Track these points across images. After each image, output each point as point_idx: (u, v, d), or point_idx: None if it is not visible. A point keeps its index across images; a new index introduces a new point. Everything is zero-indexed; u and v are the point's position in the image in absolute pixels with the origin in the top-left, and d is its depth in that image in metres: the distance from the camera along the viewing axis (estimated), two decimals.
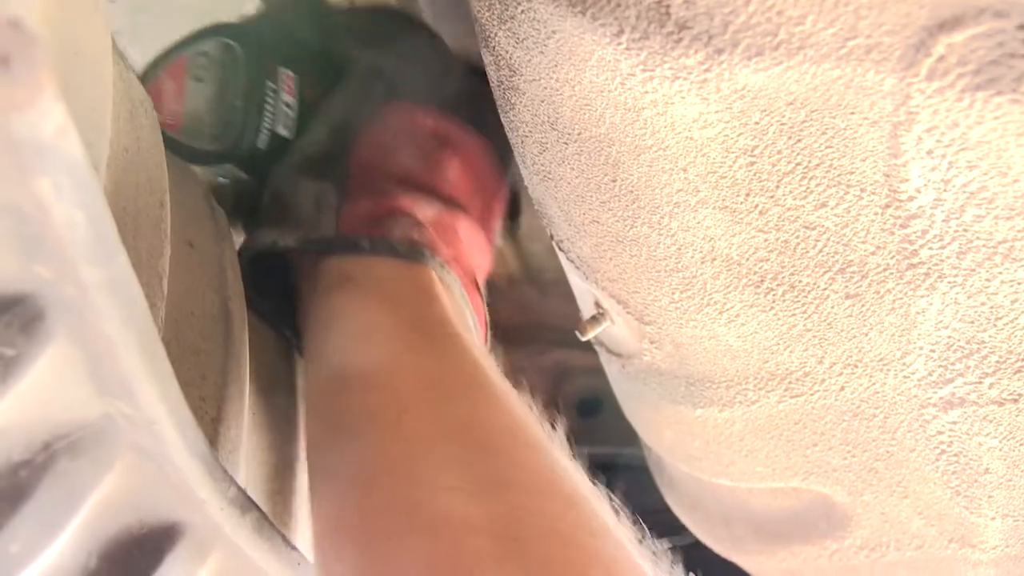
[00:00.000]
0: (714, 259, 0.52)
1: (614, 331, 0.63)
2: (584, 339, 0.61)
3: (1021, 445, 0.60)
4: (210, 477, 0.41)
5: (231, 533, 0.44)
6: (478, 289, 0.62)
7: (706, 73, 0.42)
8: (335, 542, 0.42)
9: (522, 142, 0.55)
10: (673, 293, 0.55)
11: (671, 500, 0.80)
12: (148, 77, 0.61)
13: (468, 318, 0.57)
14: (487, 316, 0.62)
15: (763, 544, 0.74)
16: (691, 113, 0.46)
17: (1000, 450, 0.60)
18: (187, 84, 0.60)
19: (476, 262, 0.63)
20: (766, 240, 0.51)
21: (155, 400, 0.35)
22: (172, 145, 0.56)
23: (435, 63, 0.61)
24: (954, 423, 0.59)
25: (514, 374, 0.51)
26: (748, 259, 0.52)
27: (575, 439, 1.07)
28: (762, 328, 0.56)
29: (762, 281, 0.53)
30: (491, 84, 0.54)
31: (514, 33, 0.49)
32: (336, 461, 0.45)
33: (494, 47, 0.52)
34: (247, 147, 0.60)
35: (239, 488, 0.43)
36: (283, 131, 0.60)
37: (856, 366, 0.57)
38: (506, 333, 1.14)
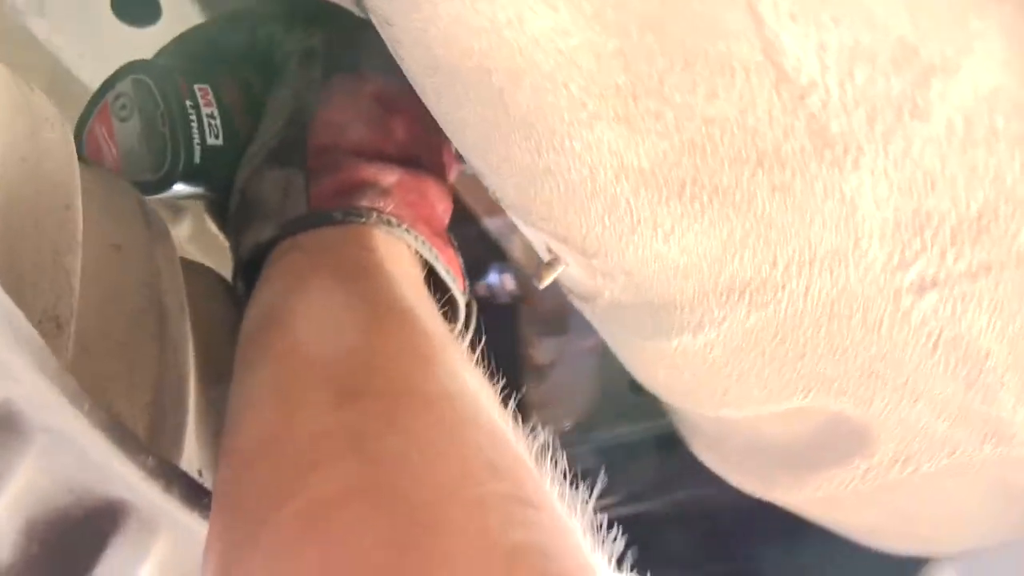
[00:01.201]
0: (628, 175, 0.51)
1: (572, 273, 0.62)
2: (542, 286, 0.61)
3: (1012, 320, 0.57)
4: (120, 448, 0.42)
5: (169, 509, 0.45)
6: (451, 242, 0.65)
7: None
8: (219, 472, 0.44)
9: (423, 94, 0.55)
10: (603, 219, 0.54)
11: (701, 453, 0.79)
12: (81, 130, 0.65)
13: (435, 273, 0.60)
14: (461, 268, 0.65)
15: (793, 476, 0.72)
16: (547, 24, 0.45)
17: (993, 329, 0.58)
18: (115, 127, 0.65)
19: (440, 213, 0.64)
20: (671, 145, 0.50)
21: (34, 374, 0.37)
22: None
23: (359, 29, 0.62)
24: (935, 308, 0.57)
25: None
26: (661, 168, 0.51)
27: (631, 417, 1.07)
28: (702, 239, 0.55)
29: (683, 189, 0.52)
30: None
31: None
32: (235, 391, 0.47)
33: (370, 4, 0.53)
34: (184, 166, 0.63)
35: (159, 459, 0.44)
36: (213, 140, 0.64)
37: (812, 264, 0.55)
38: (552, 320, 1.15)
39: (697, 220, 0.54)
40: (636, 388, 1.13)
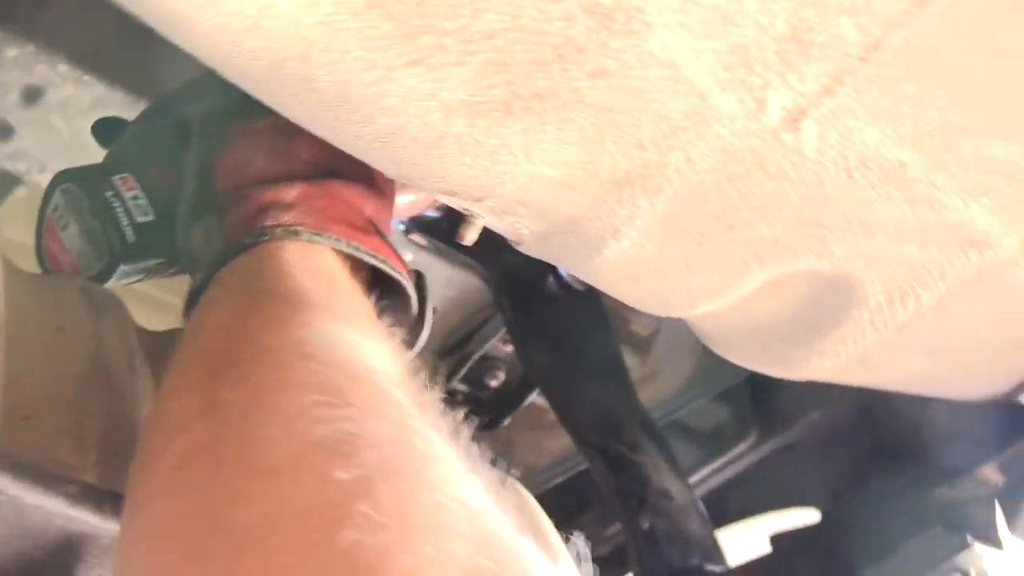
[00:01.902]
0: (454, 111, 0.54)
1: (489, 223, 0.64)
2: (467, 243, 0.63)
3: (898, 120, 0.56)
4: (36, 484, 0.48)
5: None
6: (378, 232, 0.68)
7: None
8: None
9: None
10: (462, 160, 0.57)
11: (726, 353, 0.79)
12: (39, 248, 0.74)
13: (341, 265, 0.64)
14: (393, 250, 0.68)
15: (804, 348, 0.72)
16: (291, 2, 0.48)
17: (887, 136, 0.57)
18: (61, 236, 0.73)
19: (369, 208, 0.68)
20: (472, 70, 0.52)
21: None
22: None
23: None
24: (820, 136, 0.57)
25: None
26: (478, 94, 0.53)
27: None
28: (559, 147, 0.56)
29: (510, 106, 0.54)
30: None
31: None
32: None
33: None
34: (122, 248, 0.70)
35: (82, 485, 0.49)
36: (143, 218, 0.71)
37: (676, 134, 0.56)
38: None
39: (541, 131, 0.55)
40: None
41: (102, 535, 0.50)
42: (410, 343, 0.70)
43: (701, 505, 1.07)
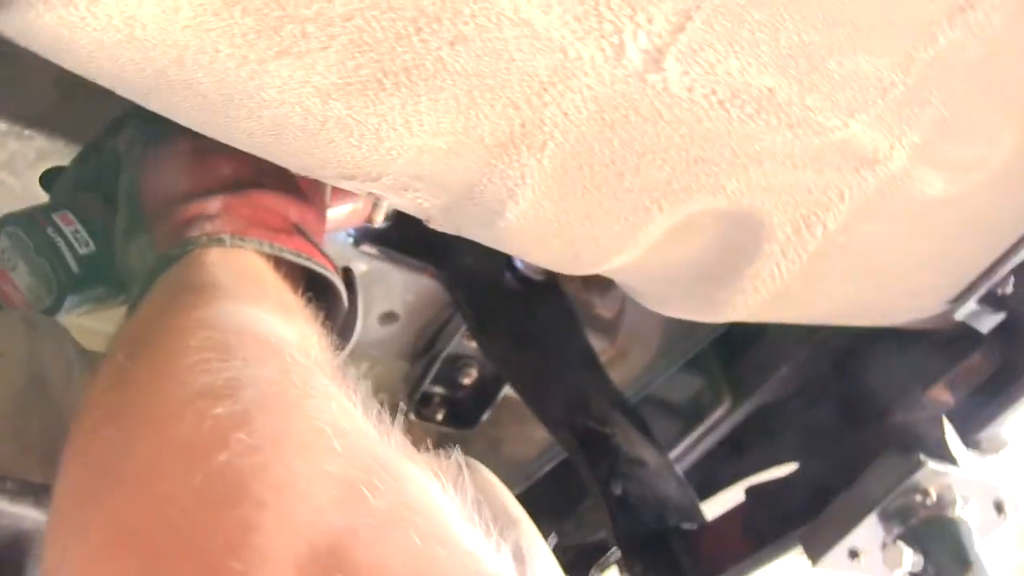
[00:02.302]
0: (330, 95, 0.57)
1: (397, 202, 0.67)
2: (377, 225, 0.66)
3: (757, 49, 0.59)
4: None
5: None
6: (301, 232, 0.72)
7: None
8: None
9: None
10: (350, 142, 0.60)
11: (656, 307, 0.81)
12: None
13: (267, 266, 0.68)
14: (319, 250, 0.72)
15: (726, 287, 0.75)
16: (154, 10, 0.52)
17: (750, 65, 0.61)
18: (11, 276, 0.77)
19: (293, 213, 0.73)
20: (337, 52, 0.55)
21: None
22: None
23: None
24: (685, 72, 0.61)
25: None
26: (349, 76, 0.56)
27: None
28: (438, 117, 0.59)
29: (382, 82, 0.57)
30: None
31: None
32: None
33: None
34: (68, 280, 0.75)
35: (19, 481, 0.53)
36: (84, 250, 0.76)
37: (547, 90, 0.59)
38: None
39: (417, 103, 0.58)
40: None
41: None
42: (345, 336, 0.73)
43: (678, 470, 1.09)
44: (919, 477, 0.81)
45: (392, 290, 1.16)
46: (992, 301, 0.84)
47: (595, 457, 1.01)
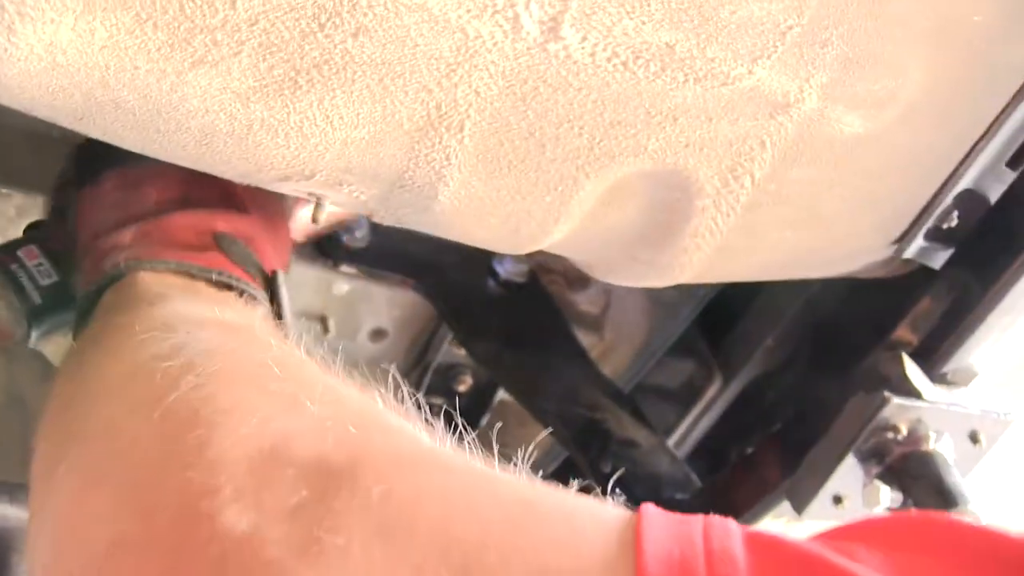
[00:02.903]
0: (251, 98, 0.61)
1: (336, 199, 0.71)
2: (319, 224, 0.70)
3: (651, 7, 0.63)
4: None
5: None
6: (218, 247, 0.76)
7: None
8: None
9: None
10: (277, 142, 0.64)
11: (605, 277, 0.85)
12: None
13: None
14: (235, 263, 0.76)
15: (668, 248, 0.78)
16: (70, 35, 0.56)
17: (646, 22, 0.64)
18: None
19: (221, 224, 0.77)
20: (250, 56, 0.59)
21: None
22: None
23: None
24: (584, 37, 0.64)
25: None
26: (264, 77, 0.60)
27: None
28: (354, 108, 0.63)
29: (296, 80, 0.61)
30: None
31: None
32: None
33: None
34: (32, 311, 0.82)
35: None
36: (47, 280, 0.82)
37: (454, 69, 0.63)
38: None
39: (332, 97, 0.62)
40: None
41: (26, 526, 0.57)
42: None
43: (671, 447, 1.12)
44: (886, 414, 0.83)
45: (377, 307, 1.20)
46: (939, 236, 0.86)
47: (586, 441, 1.04)
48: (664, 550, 0.42)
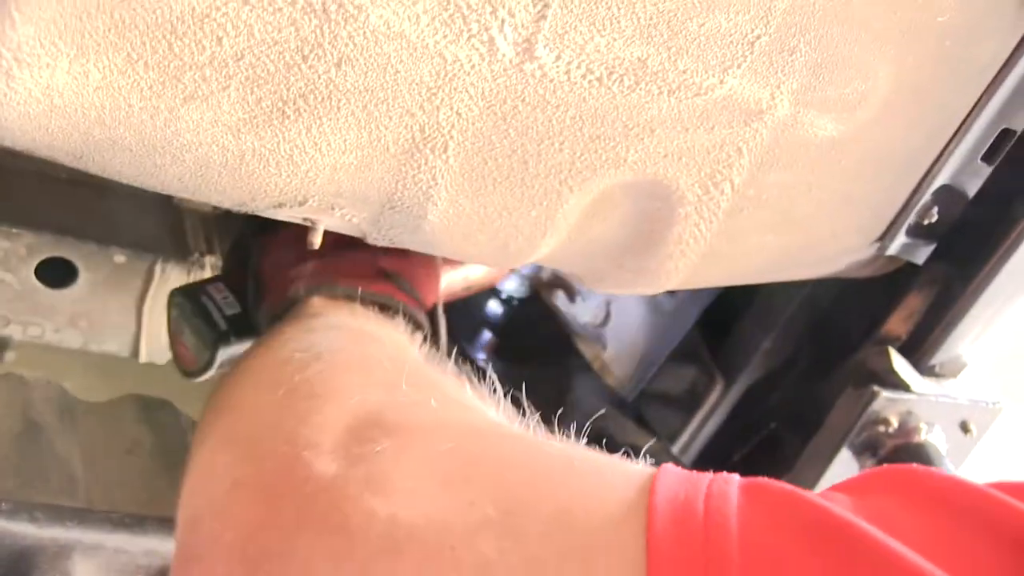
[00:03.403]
0: (241, 130, 0.64)
1: (329, 223, 0.74)
2: (314, 247, 0.73)
3: (621, 24, 0.66)
4: None
5: (66, 536, 0.62)
6: (386, 278, 0.87)
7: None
8: None
9: None
10: (269, 171, 0.67)
11: (596, 287, 0.87)
12: (174, 354, 0.97)
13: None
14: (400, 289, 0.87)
15: (653, 256, 0.81)
16: (64, 78, 0.59)
17: (617, 39, 0.67)
18: (181, 338, 0.96)
19: (383, 262, 0.87)
20: (238, 89, 0.62)
21: None
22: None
23: None
24: (558, 56, 0.67)
25: None
26: (253, 109, 0.63)
27: None
28: (342, 135, 0.66)
29: (284, 111, 0.64)
30: None
31: None
32: None
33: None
34: (217, 336, 0.93)
35: (13, 502, 0.61)
36: (231, 311, 0.94)
37: (435, 93, 0.66)
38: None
39: (320, 125, 0.65)
40: None
41: (47, 545, 0.61)
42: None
43: (674, 452, 1.15)
44: (876, 407, 0.86)
45: None
46: (920, 232, 0.89)
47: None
48: (672, 492, 0.50)
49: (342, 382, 0.65)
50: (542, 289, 1.28)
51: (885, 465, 0.50)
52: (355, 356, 0.70)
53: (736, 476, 0.51)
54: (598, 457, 0.58)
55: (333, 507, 0.55)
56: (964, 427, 0.91)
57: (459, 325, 1.21)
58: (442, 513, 0.52)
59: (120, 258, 1.15)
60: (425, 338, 0.83)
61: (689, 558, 0.46)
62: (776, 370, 1.19)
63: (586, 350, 1.27)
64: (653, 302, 1.30)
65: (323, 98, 0.64)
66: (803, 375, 1.09)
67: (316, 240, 0.75)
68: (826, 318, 1.07)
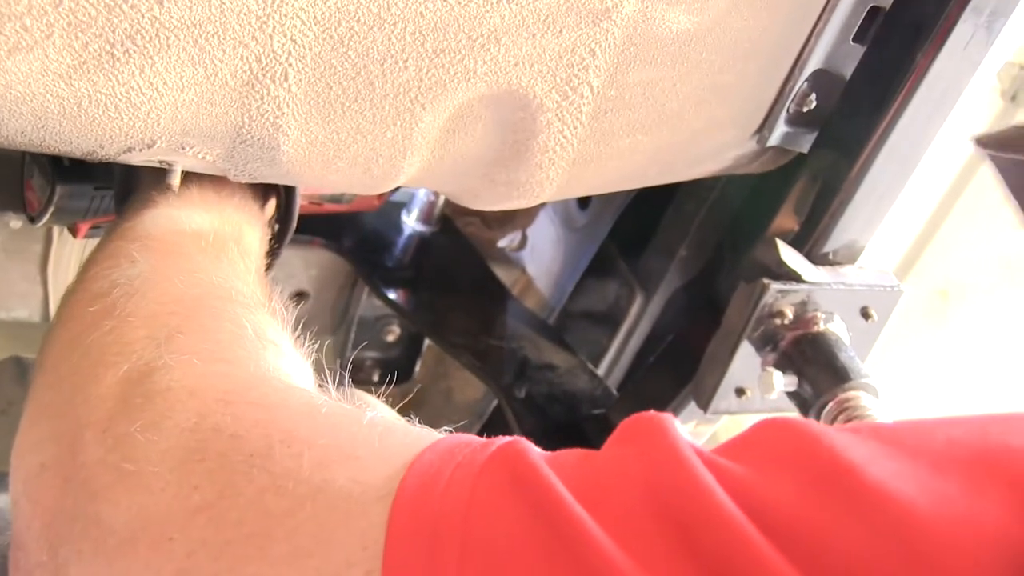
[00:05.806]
0: (72, 78, 0.67)
1: (185, 163, 0.77)
2: (174, 189, 0.76)
3: None
4: None
5: None
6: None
7: None
8: None
9: None
10: (110, 115, 0.70)
11: (471, 205, 0.91)
12: None
13: None
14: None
15: (524, 167, 0.84)
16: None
17: None
18: (32, 183, 0.95)
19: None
20: (63, 36, 0.65)
21: None
22: None
23: None
24: None
25: None
26: (83, 54, 0.66)
27: None
28: (178, 72, 0.69)
29: (113, 54, 0.67)
30: None
31: None
32: None
33: None
34: (63, 173, 0.92)
35: None
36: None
37: (266, 21, 0.69)
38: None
39: (152, 64, 0.68)
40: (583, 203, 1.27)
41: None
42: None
43: (590, 366, 1.19)
44: (768, 300, 0.90)
45: (293, 269, 1.26)
46: (800, 120, 0.92)
47: (498, 370, 1.10)
48: (427, 462, 0.51)
49: (125, 339, 0.64)
50: (456, 217, 1.31)
51: (765, 421, 0.49)
52: (152, 301, 0.67)
53: (519, 445, 0.51)
54: (380, 429, 0.56)
55: (91, 498, 0.56)
56: (865, 313, 0.94)
57: (370, 264, 1.24)
58: (167, 501, 0.53)
59: (16, 223, 1.17)
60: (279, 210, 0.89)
61: (418, 533, 0.47)
62: (695, 279, 1.22)
63: (505, 275, 1.30)
64: (567, 219, 1.33)
65: (151, 37, 0.67)
66: (713, 279, 1.13)
67: (175, 181, 0.78)
68: (736, 220, 1.10)
